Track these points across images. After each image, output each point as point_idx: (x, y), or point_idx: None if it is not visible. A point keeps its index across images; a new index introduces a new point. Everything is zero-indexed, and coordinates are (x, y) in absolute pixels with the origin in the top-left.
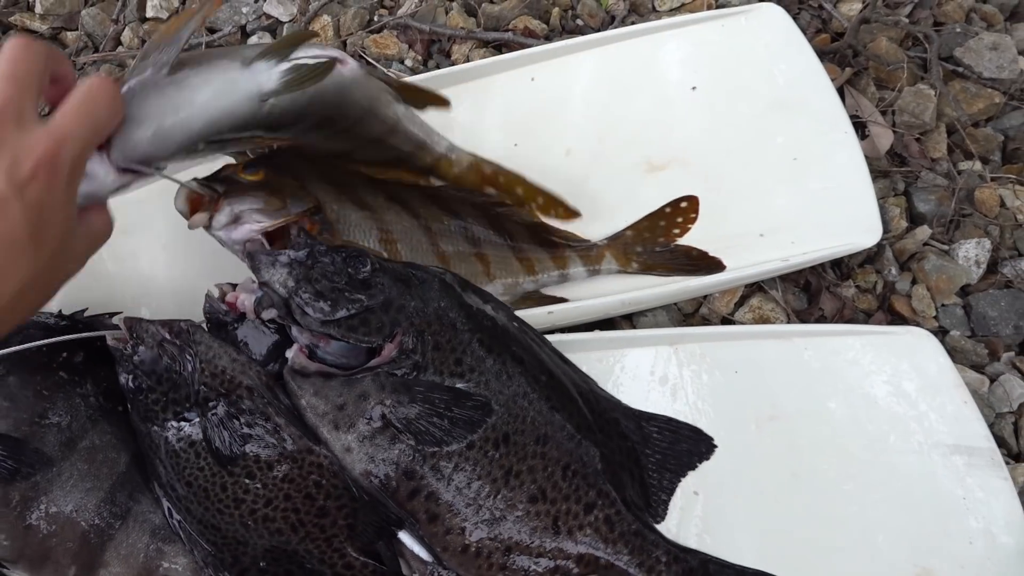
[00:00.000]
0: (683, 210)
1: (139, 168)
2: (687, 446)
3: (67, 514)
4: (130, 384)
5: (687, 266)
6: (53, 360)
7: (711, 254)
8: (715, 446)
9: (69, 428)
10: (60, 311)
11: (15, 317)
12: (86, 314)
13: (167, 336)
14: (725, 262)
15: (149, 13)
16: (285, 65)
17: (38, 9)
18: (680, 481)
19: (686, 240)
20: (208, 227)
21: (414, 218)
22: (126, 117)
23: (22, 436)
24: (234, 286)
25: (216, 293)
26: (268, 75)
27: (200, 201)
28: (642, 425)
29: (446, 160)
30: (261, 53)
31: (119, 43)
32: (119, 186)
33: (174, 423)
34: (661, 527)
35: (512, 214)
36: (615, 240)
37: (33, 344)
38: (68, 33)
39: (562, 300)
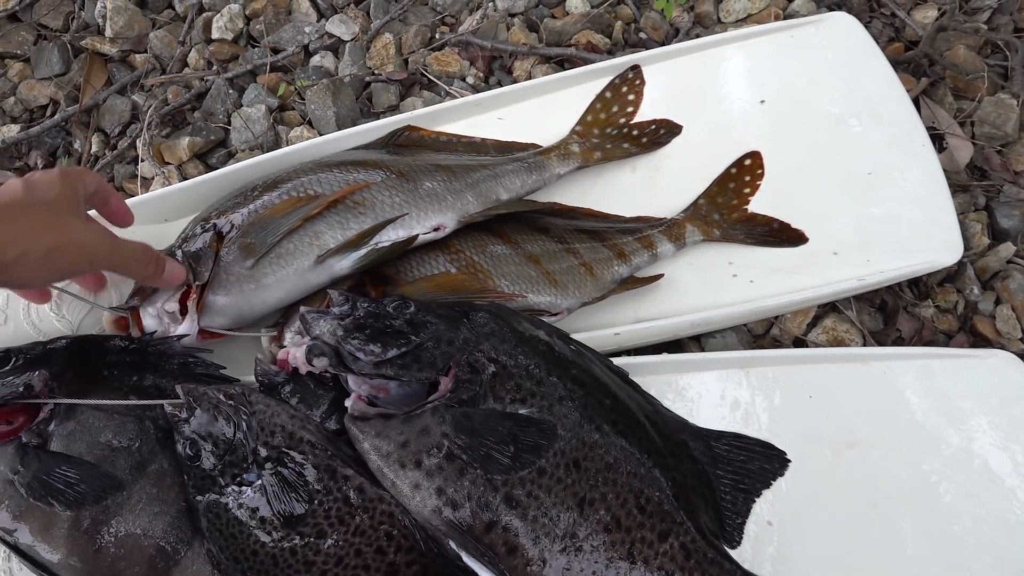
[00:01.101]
0: (748, 168)
1: (216, 331)
2: (759, 463)
3: (136, 537)
4: (187, 451)
5: (768, 236)
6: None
7: (793, 226)
8: (788, 460)
9: (139, 452)
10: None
11: None
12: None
13: (224, 400)
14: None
15: (215, 35)
16: (360, 252)
17: (108, 32)
18: (755, 501)
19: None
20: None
21: (490, 234)
22: (210, 303)
23: (95, 460)
24: (281, 347)
25: (265, 356)
26: (340, 265)
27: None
28: (711, 445)
29: None
30: (333, 251)
31: (186, 64)
32: (194, 335)
33: (234, 487)
34: (735, 555)
35: (580, 211)
36: (691, 211)
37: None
38: (136, 56)
39: (659, 276)
